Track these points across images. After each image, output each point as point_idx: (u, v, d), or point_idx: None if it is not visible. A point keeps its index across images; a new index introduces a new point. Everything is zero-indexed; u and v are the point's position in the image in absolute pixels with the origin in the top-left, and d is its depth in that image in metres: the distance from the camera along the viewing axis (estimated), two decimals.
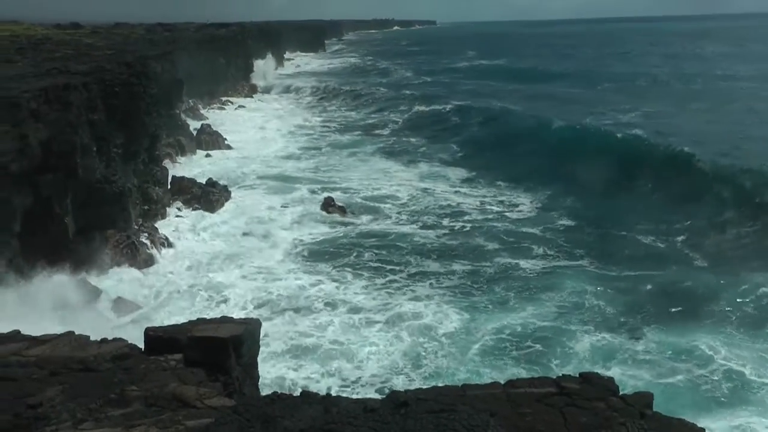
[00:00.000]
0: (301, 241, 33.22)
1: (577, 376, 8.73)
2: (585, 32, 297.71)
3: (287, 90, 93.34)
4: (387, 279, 28.70)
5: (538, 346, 22.48)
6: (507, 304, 26.02)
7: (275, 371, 20.70)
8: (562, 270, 29.33)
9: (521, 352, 22.22)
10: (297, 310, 25.46)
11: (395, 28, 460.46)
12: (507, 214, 37.57)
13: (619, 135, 49.09)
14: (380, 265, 30.20)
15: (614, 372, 20.23)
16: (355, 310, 25.45)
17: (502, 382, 8.83)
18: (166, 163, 41.87)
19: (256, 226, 34.75)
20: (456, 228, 35.21)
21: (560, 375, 8.91)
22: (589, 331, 23.48)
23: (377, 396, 13.46)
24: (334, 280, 28.40)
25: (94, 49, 45.29)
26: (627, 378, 20.02)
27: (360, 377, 20.87)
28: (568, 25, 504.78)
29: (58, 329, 10.91)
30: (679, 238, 32.45)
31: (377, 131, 64.52)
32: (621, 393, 8.36)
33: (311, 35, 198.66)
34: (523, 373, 19.28)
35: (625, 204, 36.99)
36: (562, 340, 22.86)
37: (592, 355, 21.84)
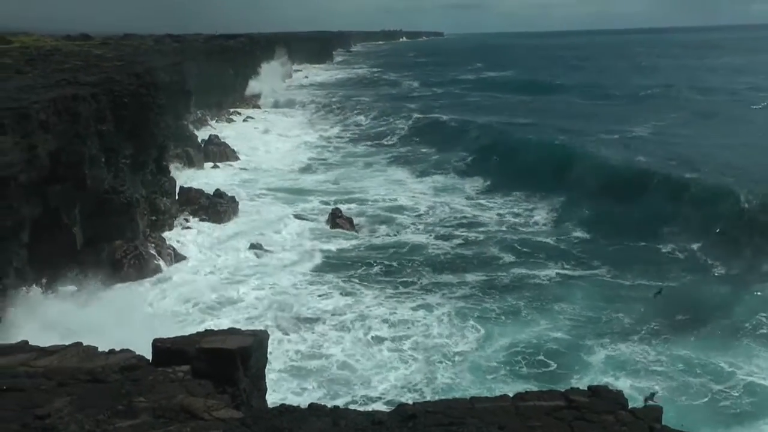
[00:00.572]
0: (310, 253, 33.14)
1: (586, 389, 8.68)
2: (592, 44, 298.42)
3: (296, 101, 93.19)
4: (398, 291, 28.62)
5: (552, 362, 22.36)
6: (520, 315, 25.96)
7: (276, 396, 20.47)
8: (576, 281, 29.36)
9: (535, 369, 22.05)
10: (305, 326, 25.21)
11: (403, 39, 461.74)
12: (521, 227, 37.50)
13: (631, 146, 49.14)
14: (392, 277, 30.10)
15: (627, 384, 20.26)
16: (365, 325, 25.23)
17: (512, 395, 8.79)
18: (174, 173, 41.95)
19: (263, 238, 34.58)
20: (470, 239, 35.17)
21: (569, 388, 8.87)
22: (603, 343, 23.41)
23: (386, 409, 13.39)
24: (345, 294, 28.25)
25: (103, 60, 45.47)
26: (639, 391, 19.87)
27: (369, 394, 20.63)
28: (574, 36, 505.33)
29: None
30: (695, 249, 32.28)
31: (388, 142, 64.57)
32: (631, 407, 8.31)
33: (320, 46, 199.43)
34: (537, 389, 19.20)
35: (638, 215, 36.79)
36: (577, 353, 22.79)
37: (606, 368, 21.77)
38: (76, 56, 48.06)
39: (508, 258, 32.40)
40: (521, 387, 20.02)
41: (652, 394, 19.08)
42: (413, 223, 37.98)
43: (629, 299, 27.05)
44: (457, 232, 36.16)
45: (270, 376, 13.89)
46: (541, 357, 22.61)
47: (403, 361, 22.58)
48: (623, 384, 20.46)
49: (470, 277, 29.92)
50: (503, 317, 25.90)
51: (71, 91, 28.27)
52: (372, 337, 24.24)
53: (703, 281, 28.99)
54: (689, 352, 22.52)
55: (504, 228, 36.98)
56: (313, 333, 24.62)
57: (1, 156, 22.23)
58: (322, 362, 22.61)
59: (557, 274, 30.27)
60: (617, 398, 8.36)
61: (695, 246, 32.48)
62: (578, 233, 35.79)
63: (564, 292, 28.01)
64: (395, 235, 36.11)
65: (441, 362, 22.41)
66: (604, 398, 8.33)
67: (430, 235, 35.79)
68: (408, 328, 24.89)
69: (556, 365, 22.18)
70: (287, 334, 24.38)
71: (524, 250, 33.28)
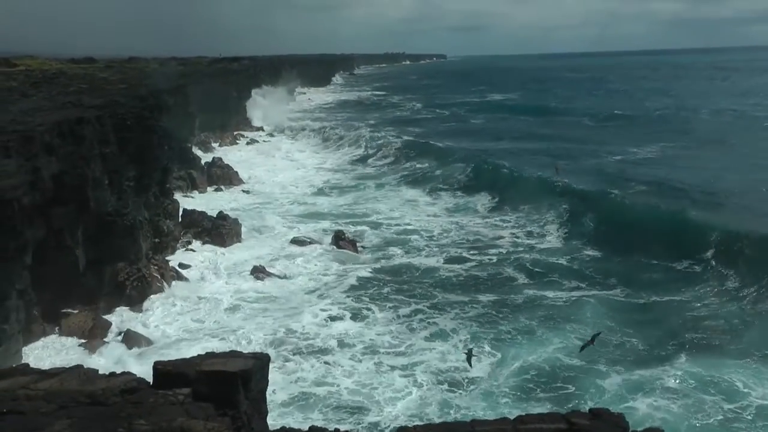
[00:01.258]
0: (315, 276, 32.97)
1: (587, 411, 8.65)
2: (595, 66, 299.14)
3: (298, 125, 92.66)
4: (408, 313, 28.31)
5: (568, 386, 22.11)
6: (534, 335, 25.77)
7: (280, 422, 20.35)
8: (588, 299, 29.16)
9: (551, 393, 21.77)
10: (310, 352, 24.79)
11: (406, 62, 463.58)
12: (534, 244, 37.37)
13: (644, 168, 49.28)
14: (400, 299, 29.82)
15: (642, 405, 20.18)
16: (373, 350, 24.84)
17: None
18: (177, 195, 42.02)
19: (266, 262, 34.40)
20: (483, 260, 34.89)
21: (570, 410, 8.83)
22: (616, 363, 23.25)
23: None
24: (353, 317, 27.95)
25: (108, 83, 45.80)
26: (654, 411, 19.92)
27: (377, 422, 20.33)
28: (577, 58, 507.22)
29: None
30: (708, 268, 32.06)
31: (388, 163, 64.51)
32: (638, 429, 8.28)
33: (324, 69, 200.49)
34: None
35: (650, 234, 36.50)
36: (591, 375, 22.57)
37: (619, 389, 21.54)
38: (80, 79, 48.43)
39: (521, 277, 32.38)
40: (535, 411, 20.05)
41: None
42: (426, 245, 37.63)
43: (642, 318, 26.95)
44: (467, 254, 35.93)
45: (274, 407, 13.78)
46: (558, 382, 22.33)
47: (415, 386, 22.25)
48: (640, 404, 20.43)
49: (483, 298, 29.74)
50: (519, 337, 25.69)
51: (76, 114, 28.47)
52: (380, 363, 23.83)
53: (716, 300, 28.79)
54: (702, 371, 22.33)
55: (519, 248, 36.77)
56: (318, 360, 24.17)
57: (6, 178, 22.33)
58: (329, 389, 22.20)
59: (570, 292, 30.18)
60: (618, 421, 8.33)
61: (710, 265, 32.25)
62: (590, 251, 35.77)
63: (576, 311, 27.89)
64: (402, 257, 35.87)
65: (454, 390, 22.06)
66: (606, 421, 8.30)
67: (441, 257, 35.52)
68: (420, 353, 24.51)
69: (573, 388, 21.94)
70: (289, 361, 24.00)
71: (537, 270, 33.19)
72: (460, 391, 22.00)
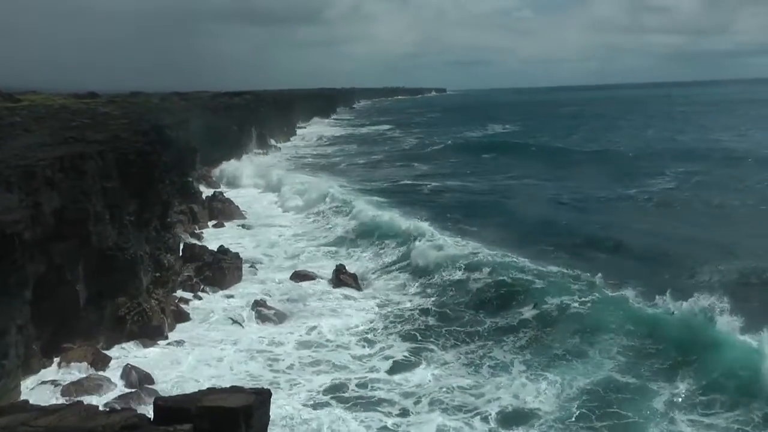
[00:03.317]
0: (314, 314, 32.19)
1: None
2: (605, 98, 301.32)
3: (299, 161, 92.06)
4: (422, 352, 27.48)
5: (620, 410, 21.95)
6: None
7: None
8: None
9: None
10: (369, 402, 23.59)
11: (407, 96, 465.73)
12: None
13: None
14: (415, 337, 29.01)
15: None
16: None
17: None
18: (178, 230, 42.01)
19: (269, 298, 33.95)
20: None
21: None
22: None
23: None
24: (358, 357, 27.04)
25: (110, 118, 46.01)
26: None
27: None
28: (577, 92, 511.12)
29: None
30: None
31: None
32: None
33: (324, 104, 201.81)
34: None
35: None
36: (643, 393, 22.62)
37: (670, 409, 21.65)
38: (83, 114, 48.66)
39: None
40: None
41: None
42: (427, 283, 36.15)
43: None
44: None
45: None
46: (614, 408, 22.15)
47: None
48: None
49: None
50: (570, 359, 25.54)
51: (78, 149, 28.60)
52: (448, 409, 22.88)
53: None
54: None
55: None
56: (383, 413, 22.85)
57: (6, 214, 22.35)
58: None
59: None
60: None
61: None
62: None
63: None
64: (401, 294, 35.19)
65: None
66: None
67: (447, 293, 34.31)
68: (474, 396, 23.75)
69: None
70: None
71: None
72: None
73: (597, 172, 72.12)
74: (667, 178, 66.73)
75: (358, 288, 36.04)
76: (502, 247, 39.45)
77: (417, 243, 40.61)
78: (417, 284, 35.93)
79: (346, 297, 34.75)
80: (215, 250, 39.34)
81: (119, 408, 10.46)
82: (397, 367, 26.15)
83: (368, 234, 45.81)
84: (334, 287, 36.19)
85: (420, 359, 26.93)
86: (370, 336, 29.50)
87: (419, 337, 29.02)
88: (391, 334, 29.58)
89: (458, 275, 35.13)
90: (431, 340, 28.73)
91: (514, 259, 36.24)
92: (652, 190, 60.46)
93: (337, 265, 38.02)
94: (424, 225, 44.53)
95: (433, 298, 33.37)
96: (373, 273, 38.91)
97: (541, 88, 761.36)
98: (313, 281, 37.13)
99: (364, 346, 28.43)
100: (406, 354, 27.40)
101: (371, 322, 31.03)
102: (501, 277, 33.54)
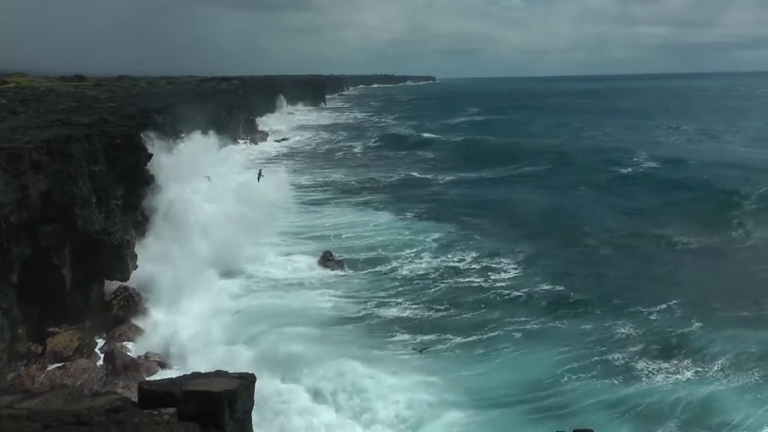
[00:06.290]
0: (316, 303, 32.03)
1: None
2: (602, 89, 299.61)
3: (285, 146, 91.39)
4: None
5: None
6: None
7: None
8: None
9: None
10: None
11: (396, 84, 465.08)
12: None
13: None
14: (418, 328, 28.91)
15: None
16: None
17: None
18: None
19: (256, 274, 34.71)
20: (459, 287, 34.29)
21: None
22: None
23: None
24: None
25: (97, 101, 45.79)
26: None
27: None
28: (566, 82, 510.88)
29: None
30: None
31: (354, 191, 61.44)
32: None
33: (313, 90, 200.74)
34: None
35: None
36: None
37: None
38: (70, 97, 48.41)
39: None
40: None
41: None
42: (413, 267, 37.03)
43: None
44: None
45: None
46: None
47: None
48: None
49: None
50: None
51: (65, 132, 28.40)
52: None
53: None
54: None
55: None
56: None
57: None
58: None
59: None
60: None
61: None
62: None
63: None
64: (389, 273, 35.87)
65: None
66: None
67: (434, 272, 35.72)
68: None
69: None
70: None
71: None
72: None
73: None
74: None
75: (343, 270, 36.56)
76: None
77: None
78: None
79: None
80: None
81: (104, 392, 10.49)
82: None
83: None
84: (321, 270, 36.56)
85: None
86: None
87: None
88: None
89: None
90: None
91: None
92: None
93: (324, 252, 38.04)
94: None
95: None
96: None
97: (529, 78, 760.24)
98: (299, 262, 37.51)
99: None
100: None
101: None
102: None
